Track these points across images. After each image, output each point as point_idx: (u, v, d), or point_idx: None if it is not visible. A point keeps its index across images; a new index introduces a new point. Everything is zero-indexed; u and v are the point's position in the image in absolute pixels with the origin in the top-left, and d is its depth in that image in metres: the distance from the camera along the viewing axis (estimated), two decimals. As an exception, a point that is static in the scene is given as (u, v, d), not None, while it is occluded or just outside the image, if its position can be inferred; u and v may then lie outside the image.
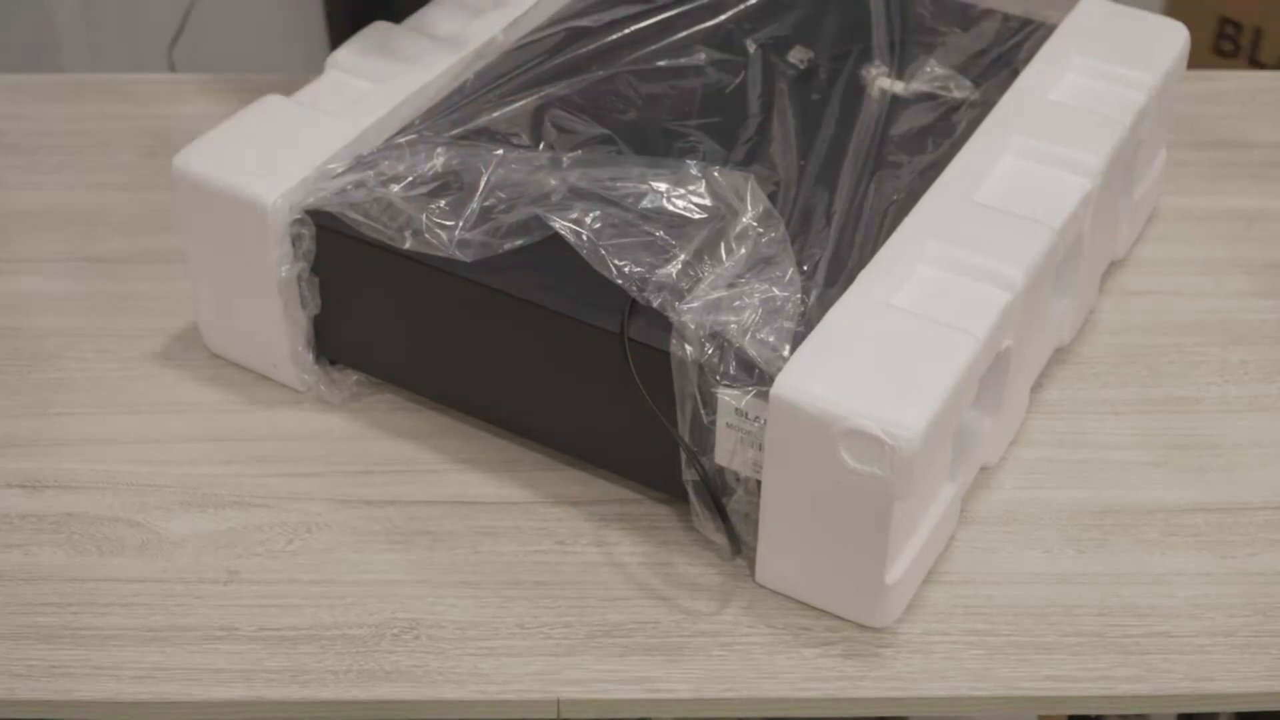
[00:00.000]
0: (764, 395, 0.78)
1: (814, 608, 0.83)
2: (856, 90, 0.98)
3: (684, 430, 0.81)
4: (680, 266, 0.83)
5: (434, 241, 0.85)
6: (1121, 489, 0.90)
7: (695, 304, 0.80)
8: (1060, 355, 0.98)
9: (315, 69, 1.01)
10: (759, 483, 0.81)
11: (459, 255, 0.85)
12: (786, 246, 0.84)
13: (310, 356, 0.94)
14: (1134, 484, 0.91)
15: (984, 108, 0.96)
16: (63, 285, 1.03)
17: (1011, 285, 0.83)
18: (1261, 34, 1.86)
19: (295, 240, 0.89)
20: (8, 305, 1.01)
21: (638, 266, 0.83)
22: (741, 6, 1.05)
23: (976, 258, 0.84)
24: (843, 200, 0.89)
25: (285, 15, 2.02)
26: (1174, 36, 1.03)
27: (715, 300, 0.81)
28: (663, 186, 0.86)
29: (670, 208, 0.85)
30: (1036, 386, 0.96)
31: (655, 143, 0.93)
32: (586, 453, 0.89)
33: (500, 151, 0.89)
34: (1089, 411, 0.95)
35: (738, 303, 0.81)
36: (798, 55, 1.01)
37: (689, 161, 0.88)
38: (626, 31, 1.01)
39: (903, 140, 0.94)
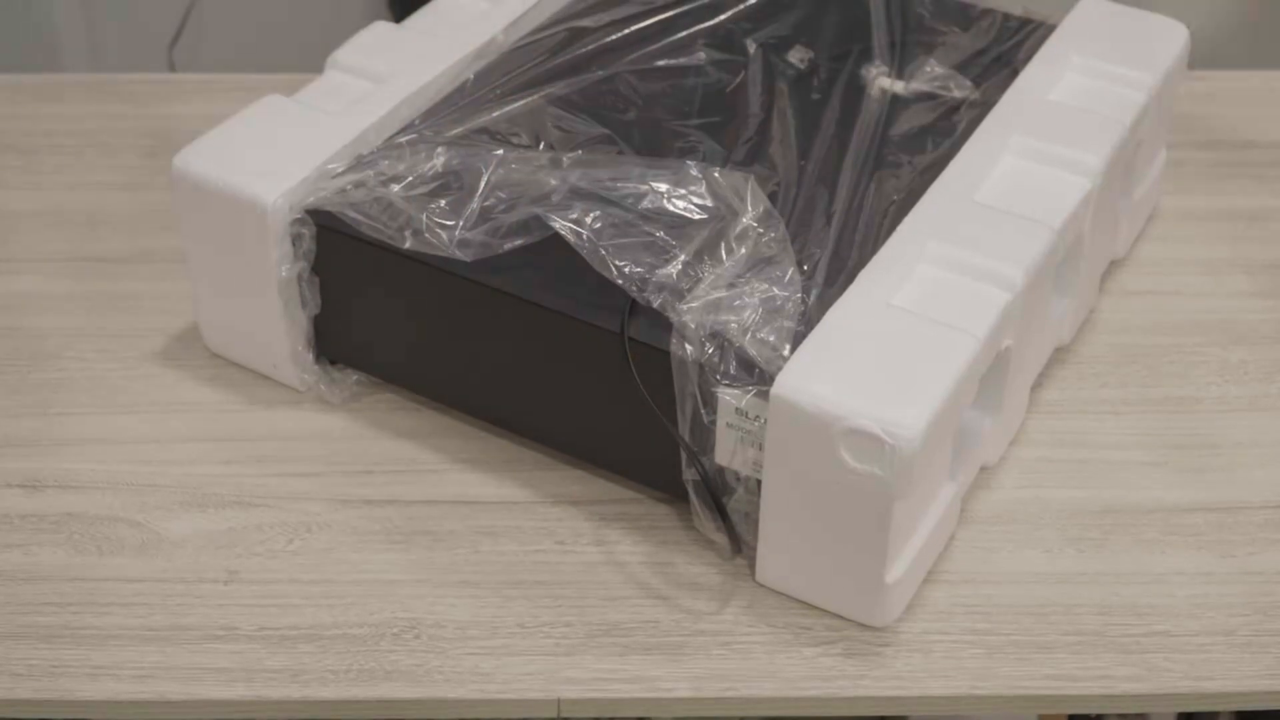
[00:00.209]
0: (764, 395, 0.78)
1: (814, 607, 0.83)
2: (856, 90, 0.98)
3: (684, 430, 0.81)
4: (680, 267, 0.83)
5: (434, 241, 0.85)
6: (1121, 489, 0.90)
7: (695, 304, 0.80)
8: (1060, 355, 0.98)
9: (315, 69, 1.01)
10: (759, 482, 0.81)
11: (459, 255, 0.85)
12: (786, 246, 0.84)
13: (310, 356, 0.94)
14: (1134, 484, 0.91)
15: (984, 108, 0.96)
16: (63, 285, 1.03)
17: (1011, 285, 0.83)
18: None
19: (295, 240, 0.89)
20: (8, 305, 1.01)
21: (638, 267, 0.83)
22: (741, 6, 1.05)
23: (976, 258, 0.84)
24: (843, 200, 0.89)
25: (285, 15, 2.02)
26: (1174, 36, 1.03)
27: (715, 300, 0.81)
28: (663, 187, 0.86)
29: (670, 208, 0.85)
30: (1036, 386, 0.96)
31: (655, 143, 0.93)
32: (586, 453, 0.89)
33: (500, 151, 0.89)
34: (1089, 411, 0.95)
35: (738, 302, 0.81)
36: (798, 55, 1.01)
37: (689, 162, 0.87)
38: (626, 31, 1.01)
39: (903, 140, 0.94)
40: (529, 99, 0.94)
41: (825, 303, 0.82)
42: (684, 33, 1.02)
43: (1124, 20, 1.04)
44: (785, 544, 0.81)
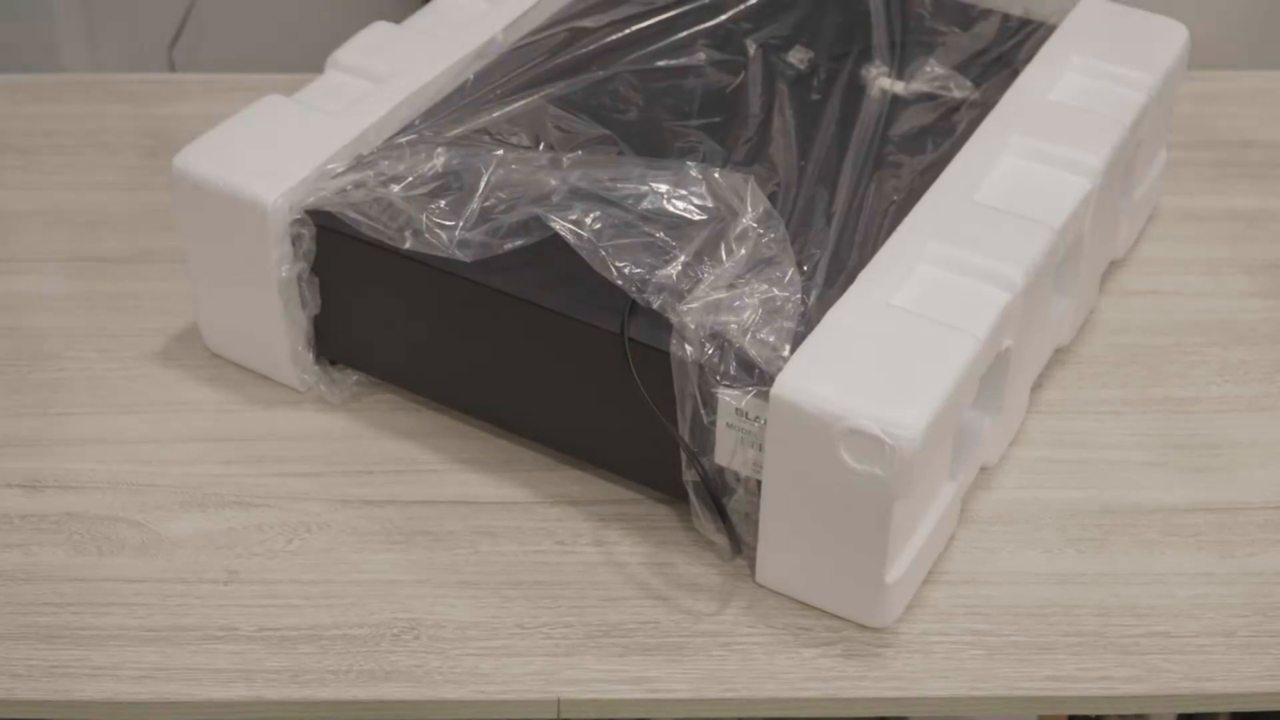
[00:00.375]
0: (764, 395, 0.78)
1: (814, 608, 0.83)
2: (856, 90, 0.98)
3: (684, 430, 0.81)
4: (680, 268, 0.83)
5: (434, 241, 0.85)
6: (1121, 489, 0.90)
7: (695, 304, 0.80)
8: (1060, 355, 0.98)
9: (315, 69, 1.01)
10: (759, 483, 0.81)
11: (459, 255, 0.85)
12: (786, 247, 0.84)
13: (310, 356, 0.94)
14: (1134, 484, 0.91)
15: (984, 108, 0.96)
16: (63, 285, 1.03)
17: (1011, 285, 0.83)
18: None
19: (295, 240, 0.89)
20: (8, 305, 1.01)
21: (638, 267, 0.83)
22: (741, 6, 1.05)
23: (976, 258, 0.84)
24: (843, 200, 0.89)
25: (285, 15, 2.02)
26: (1174, 36, 1.03)
27: (715, 301, 0.81)
28: (663, 187, 0.86)
29: (670, 209, 0.85)
30: (1036, 386, 0.96)
31: (655, 143, 0.93)
32: (586, 453, 0.89)
33: (500, 151, 0.89)
34: (1089, 411, 0.95)
35: (738, 303, 0.81)
36: (798, 55, 1.01)
37: (689, 163, 0.87)
38: (626, 31, 1.01)
39: (903, 140, 0.94)
40: (529, 99, 0.94)
41: (825, 303, 0.82)
42: (684, 33, 1.02)
43: (1124, 20, 1.04)
44: (785, 544, 0.81)
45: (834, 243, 0.86)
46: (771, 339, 0.80)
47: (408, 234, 0.86)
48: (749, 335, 0.80)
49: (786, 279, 0.82)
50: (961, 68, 0.99)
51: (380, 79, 0.97)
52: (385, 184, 0.88)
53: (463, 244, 0.85)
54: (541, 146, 0.91)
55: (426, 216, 0.86)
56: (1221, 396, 0.96)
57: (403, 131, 0.93)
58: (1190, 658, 0.81)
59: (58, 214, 1.08)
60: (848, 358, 0.78)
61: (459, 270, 0.85)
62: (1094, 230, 0.94)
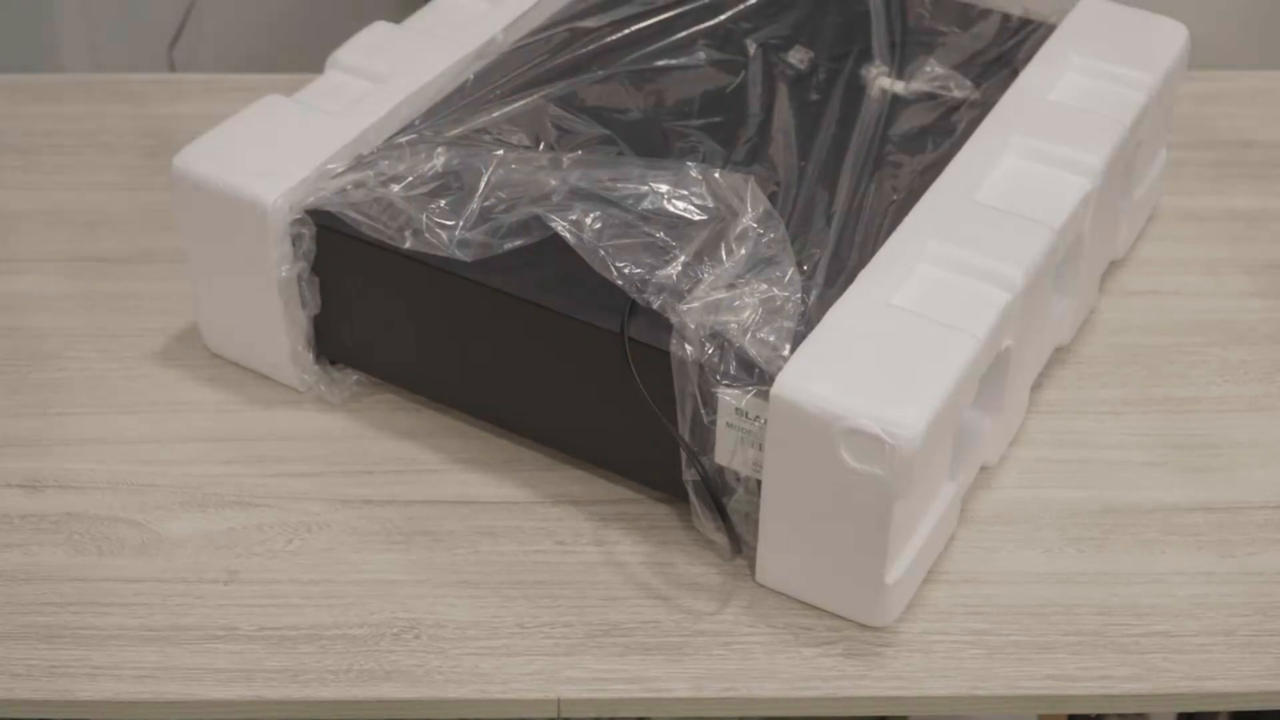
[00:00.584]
0: (764, 395, 0.78)
1: (814, 607, 0.83)
2: (856, 90, 0.98)
3: (684, 430, 0.81)
4: (680, 268, 0.83)
5: (434, 241, 0.85)
6: (1121, 489, 0.90)
7: (695, 304, 0.80)
8: (1060, 355, 0.98)
9: (315, 69, 1.01)
10: (759, 483, 0.81)
11: (459, 255, 0.85)
12: (786, 247, 0.84)
13: (310, 356, 0.94)
14: (1134, 484, 0.91)
15: (984, 108, 0.96)
16: (63, 285, 1.03)
17: (1011, 285, 0.83)
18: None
19: (295, 240, 0.89)
20: (8, 305, 1.01)
21: (638, 268, 0.83)
22: (741, 6, 1.05)
23: (976, 257, 0.84)
24: (843, 200, 0.89)
25: (285, 15, 2.02)
26: (1174, 36, 1.03)
27: (715, 300, 0.81)
28: (663, 188, 0.86)
29: (670, 209, 0.85)
30: (1036, 386, 0.96)
31: (655, 143, 0.93)
32: (586, 453, 0.89)
33: (500, 151, 0.89)
34: (1089, 411, 0.95)
35: (738, 303, 0.81)
36: (798, 55, 1.01)
37: (689, 163, 0.87)
38: (626, 31, 1.01)
39: (903, 140, 0.94)
40: (529, 99, 0.94)
41: (825, 303, 0.82)
42: (684, 33, 1.02)
43: (1124, 20, 1.04)
44: (785, 544, 0.81)
45: (834, 243, 0.86)
46: (771, 338, 0.80)
47: (408, 234, 0.86)
48: (749, 335, 0.80)
49: (786, 279, 0.82)
50: (961, 68, 0.99)
51: (380, 79, 0.97)
52: (385, 184, 0.88)
53: (463, 244, 0.85)
54: (541, 146, 0.91)
55: (426, 216, 0.86)
56: (1221, 396, 0.96)
57: (403, 131, 0.93)
58: (1190, 657, 0.81)
59: (58, 214, 1.08)
60: (848, 357, 0.78)
61: (459, 270, 0.85)
62: (1094, 230, 0.94)
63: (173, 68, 1.97)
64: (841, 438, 0.75)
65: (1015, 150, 0.93)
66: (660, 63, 0.99)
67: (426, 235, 0.86)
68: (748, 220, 0.84)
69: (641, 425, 0.83)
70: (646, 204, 0.85)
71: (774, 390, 0.77)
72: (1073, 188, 0.90)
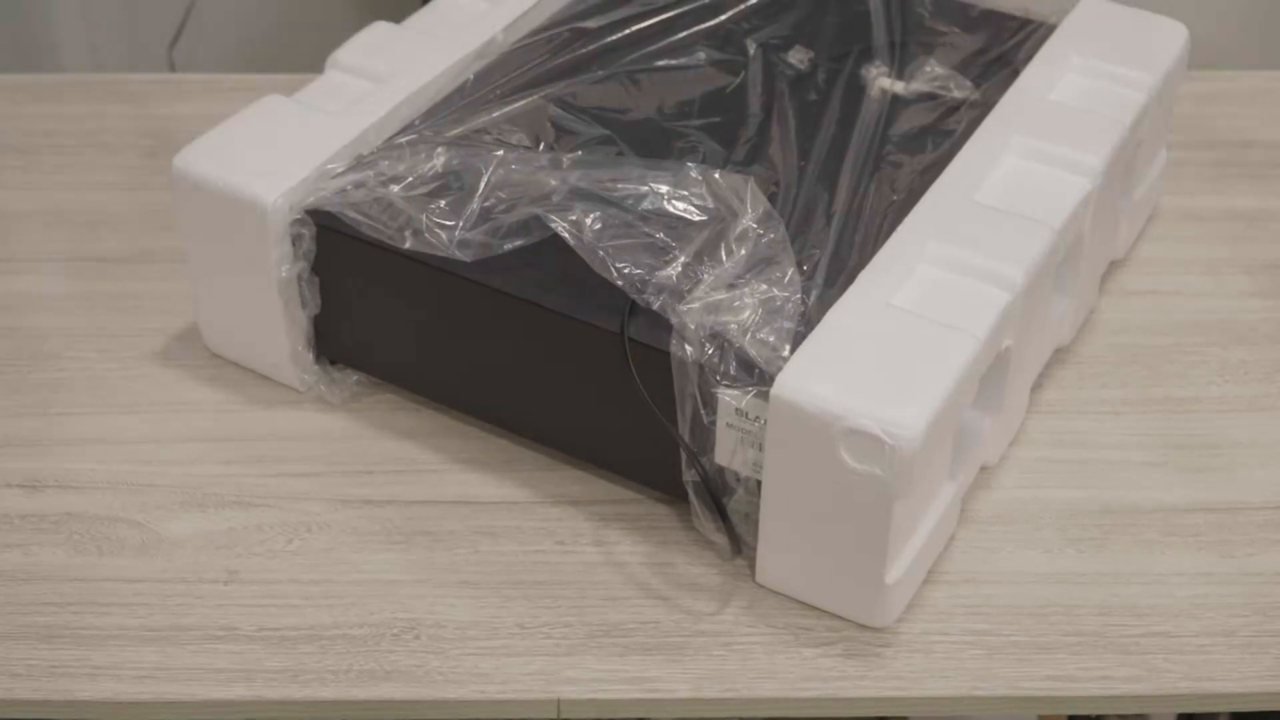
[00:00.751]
0: (764, 395, 0.78)
1: (814, 608, 0.83)
2: (856, 90, 0.98)
3: (684, 430, 0.81)
4: (680, 268, 0.83)
5: (434, 241, 0.85)
6: (1121, 489, 0.90)
7: (695, 304, 0.80)
8: (1060, 355, 0.98)
9: (315, 69, 1.01)
10: (759, 483, 0.81)
11: (459, 255, 0.85)
12: (786, 247, 0.84)
13: (310, 356, 0.94)
14: (1134, 484, 0.91)
15: (984, 108, 0.96)
16: (63, 285, 1.03)
17: (1011, 285, 0.83)
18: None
19: (295, 240, 0.89)
20: (8, 305, 1.01)
21: (638, 268, 0.83)
22: (741, 6, 1.05)
23: (976, 258, 0.84)
24: (843, 200, 0.89)
25: (285, 15, 2.02)
26: (1174, 36, 1.03)
27: (715, 301, 0.81)
28: (663, 188, 0.86)
29: (670, 209, 0.85)
30: (1036, 386, 0.96)
31: (655, 143, 0.93)
32: (586, 453, 0.89)
33: (500, 151, 0.89)
34: (1089, 411, 0.95)
35: (737, 303, 0.81)
36: (798, 55, 1.01)
37: (689, 163, 0.87)
38: (626, 31, 1.01)
39: (903, 140, 0.94)
40: (529, 99, 0.94)
41: (825, 303, 0.82)
42: (684, 33, 1.02)
43: (1124, 20, 1.04)
44: (785, 544, 0.81)
45: (834, 243, 0.86)
46: (771, 339, 0.80)
47: (408, 234, 0.86)
48: (749, 335, 0.80)
49: (786, 279, 0.82)
50: (961, 68, 0.99)
51: (380, 79, 0.97)
52: (385, 184, 0.88)
53: (463, 244, 0.85)
54: (541, 146, 0.92)
55: (426, 216, 0.86)
56: (1221, 396, 0.96)
57: (403, 131, 0.93)
58: (1190, 658, 0.81)
59: (58, 214, 1.08)
60: (848, 357, 0.78)
61: (459, 270, 0.85)
62: (1094, 230, 0.94)
63: (173, 68, 1.97)
64: (841, 438, 0.75)
65: (1015, 150, 0.93)
66: (660, 63, 0.99)
67: (426, 235, 0.86)
68: (748, 221, 0.84)
69: (641, 425, 0.83)
70: (646, 204, 0.85)
71: (774, 390, 0.77)
72: (1073, 188, 0.90)
